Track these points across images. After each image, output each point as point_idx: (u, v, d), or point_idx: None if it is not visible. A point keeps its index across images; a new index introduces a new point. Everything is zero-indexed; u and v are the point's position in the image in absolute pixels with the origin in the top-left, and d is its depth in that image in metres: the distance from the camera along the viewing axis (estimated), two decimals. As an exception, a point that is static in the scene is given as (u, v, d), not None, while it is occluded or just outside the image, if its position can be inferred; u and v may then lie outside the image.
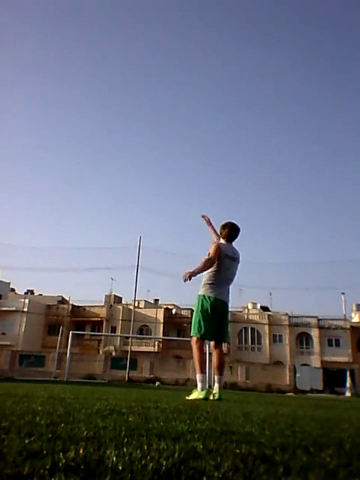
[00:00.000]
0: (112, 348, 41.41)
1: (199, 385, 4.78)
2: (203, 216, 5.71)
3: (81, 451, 1.07)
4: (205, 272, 4.95)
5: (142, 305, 48.02)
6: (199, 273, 4.86)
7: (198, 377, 4.82)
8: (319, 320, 43.29)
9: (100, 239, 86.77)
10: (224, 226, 5.22)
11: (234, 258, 5.12)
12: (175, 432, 1.55)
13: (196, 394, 4.71)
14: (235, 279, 5.26)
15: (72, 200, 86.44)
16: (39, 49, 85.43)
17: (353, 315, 48.58)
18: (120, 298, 51.53)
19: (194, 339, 4.94)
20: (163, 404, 3.30)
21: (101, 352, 40.30)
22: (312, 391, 29.18)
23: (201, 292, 5.00)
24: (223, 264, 4.98)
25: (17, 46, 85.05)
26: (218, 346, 5.10)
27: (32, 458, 0.97)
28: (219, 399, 4.77)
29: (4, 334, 43.42)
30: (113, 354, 38.59)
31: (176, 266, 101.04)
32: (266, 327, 44.41)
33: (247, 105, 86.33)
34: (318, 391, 29.00)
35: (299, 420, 2.51)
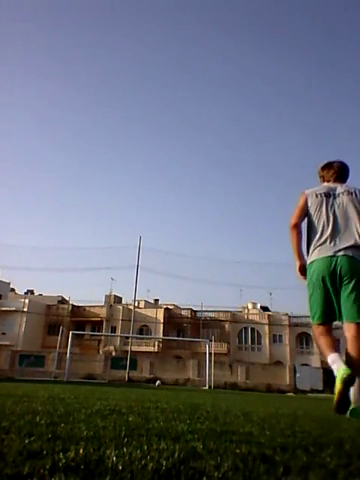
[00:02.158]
0: (112, 348, 41.40)
1: (334, 367, 3.05)
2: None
3: (81, 451, 1.07)
4: (308, 237, 3.56)
5: (142, 305, 48.04)
6: (297, 245, 3.58)
7: (329, 360, 3.15)
8: (319, 320, 43.26)
9: (100, 239, 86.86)
10: (326, 165, 3.83)
11: (332, 193, 3.56)
12: (175, 432, 1.56)
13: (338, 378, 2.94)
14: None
15: (72, 200, 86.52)
16: (39, 49, 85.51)
17: (353, 315, 48.52)
18: (120, 298, 51.56)
19: (313, 328, 3.47)
20: (163, 404, 3.30)
21: (101, 352, 40.30)
22: (312, 391, 29.18)
23: (308, 261, 3.50)
24: (316, 207, 3.54)
25: (17, 46, 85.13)
26: (349, 327, 3.22)
27: (32, 458, 0.97)
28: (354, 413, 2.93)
29: (4, 334, 43.41)
30: (113, 354, 38.58)
31: (176, 266, 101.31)
32: (266, 327, 44.41)
33: (247, 105, 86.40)
34: (318, 391, 28.98)
35: (299, 420, 2.51)
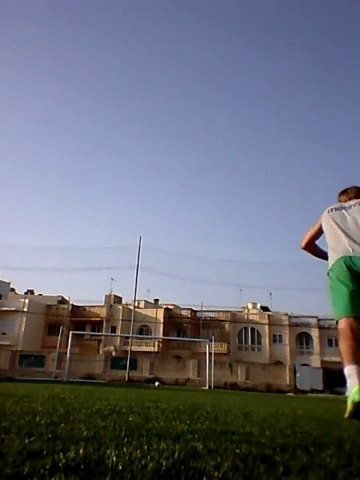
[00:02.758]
0: (112, 348, 41.41)
1: (348, 383, 3.07)
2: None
3: (81, 451, 1.07)
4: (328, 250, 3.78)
5: (142, 305, 48.04)
6: (320, 255, 3.94)
7: (346, 370, 3.10)
8: (319, 320, 43.30)
9: (100, 239, 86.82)
10: (340, 193, 4.07)
11: (344, 207, 3.80)
12: (175, 432, 1.56)
13: (350, 402, 2.96)
14: None
15: (72, 200, 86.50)
16: (39, 49, 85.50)
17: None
18: (120, 298, 51.57)
19: (338, 325, 3.42)
20: (163, 404, 3.31)
21: (101, 352, 40.31)
22: (312, 391, 29.19)
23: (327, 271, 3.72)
24: (329, 221, 3.79)
25: (17, 46, 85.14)
26: None
27: (32, 458, 0.97)
28: None
29: (4, 334, 43.42)
30: (113, 354, 38.59)
31: (176, 266, 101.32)
32: (266, 327, 44.41)
33: (247, 105, 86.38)
34: (318, 391, 29.00)
35: (299, 420, 2.51)
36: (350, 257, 3.44)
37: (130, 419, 1.95)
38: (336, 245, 3.63)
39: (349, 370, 3.04)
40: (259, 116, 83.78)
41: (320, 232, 3.94)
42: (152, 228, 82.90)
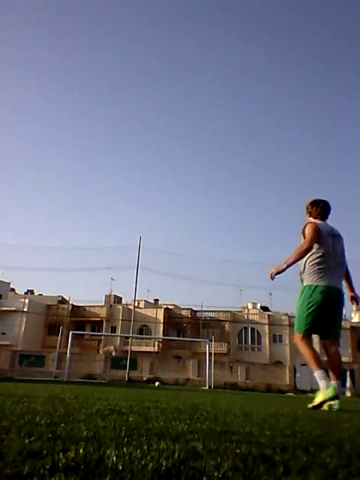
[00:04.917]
0: (112, 348, 41.39)
1: (322, 383, 3.94)
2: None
3: (81, 451, 1.07)
4: (306, 261, 4.26)
5: (142, 305, 48.01)
6: (293, 263, 4.22)
7: (317, 375, 3.99)
8: (319, 320, 43.25)
9: (100, 239, 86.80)
10: (314, 203, 4.53)
11: (336, 235, 4.37)
12: (175, 432, 1.55)
13: (321, 396, 3.90)
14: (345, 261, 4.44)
15: (72, 200, 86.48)
16: (39, 49, 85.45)
17: (353, 315, 48.58)
18: (120, 298, 51.53)
19: (297, 336, 4.23)
20: (163, 404, 3.30)
21: (101, 352, 40.28)
22: (312, 391, 29.12)
23: (308, 282, 4.22)
24: (327, 244, 4.24)
25: (17, 46, 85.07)
26: (331, 344, 4.24)
27: (32, 458, 0.97)
28: (340, 409, 3.83)
29: (4, 334, 43.40)
30: (113, 354, 38.57)
31: (176, 266, 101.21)
32: (266, 327, 44.39)
33: (247, 105, 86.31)
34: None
35: (299, 420, 2.51)
36: (334, 287, 4.20)
37: (130, 419, 1.95)
38: (329, 271, 4.22)
39: (320, 373, 4.00)
40: (259, 116, 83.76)
41: (314, 236, 4.28)
42: (152, 228, 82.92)
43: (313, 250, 4.23)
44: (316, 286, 4.16)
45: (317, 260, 4.22)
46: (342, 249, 4.38)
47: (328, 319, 4.18)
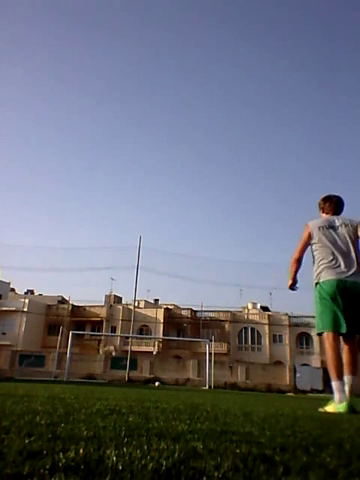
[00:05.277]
0: (112, 348, 41.40)
1: (336, 396, 3.68)
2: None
3: (81, 451, 1.07)
4: (315, 262, 4.21)
5: (142, 305, 48.02)
6: (294, 273, 4.29)
7: (333, 385, 3.74)
8: (319, 320, 43.26)
9: (100, 239, 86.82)
10: (325, 198, 4.51)
11: (332, 226, 4.23)
12: (175, 432, 1.55)
13: (333, 407, 3.67)
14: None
15: (72, 200, 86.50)
16: (39, 49, 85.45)
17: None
18: (120, 298, 51.55)
19: (324, 336, 3.99)
20: (163, 404, 3.30)
21: (101, 352, 40.29)
22: (312, 391, 29.19)
23: (314, 282, 4.19)
24: (321, 238, 4.19)
25: (17, 46, 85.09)
26: (349, 340, 4.00)
27: (32, 458, 0.97)
28: (353, 410, 3.56)
29: (4, 334, 43.41)
30: (113, 354, 38.57)
31: (176, 266, 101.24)
32: (266, 327, 44.40)
33: (247, 105, 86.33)
34: (318, 391, 28.98)
35: (299, 420, 2.51)
36: (343, 280, 3.99)
37: (130, 419, 1.95)
38: (330, 264, 4.09)
39: (337, 384, 3.72)
40: (260, 116, 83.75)
41: (308, 245, 4.33)
42: (152, 228, 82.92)
43: (313, 249, 4.26)
44: (320, 283, 4.09)
45: (318, 257, 4.18)
46: (348, 236, 4.15)
47: (345, 313, 3.90)
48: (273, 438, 1.53)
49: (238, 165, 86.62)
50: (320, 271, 4.11)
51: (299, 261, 4.34)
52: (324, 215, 4.45)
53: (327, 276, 4.04)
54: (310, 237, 4.28)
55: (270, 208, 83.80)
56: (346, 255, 4.08)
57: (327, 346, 3.91)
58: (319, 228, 4.24)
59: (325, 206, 4.48)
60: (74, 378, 24.74)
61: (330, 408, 3.71)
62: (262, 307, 50.75)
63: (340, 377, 3.72)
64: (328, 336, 3.92)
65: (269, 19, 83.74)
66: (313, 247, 4.25)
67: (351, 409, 3.50)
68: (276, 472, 0.99)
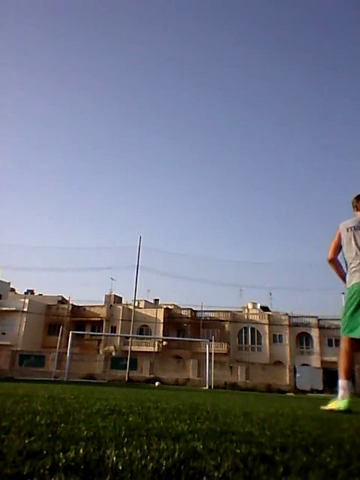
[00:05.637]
0: (112, 348, 41.40)
1: (340, 392, 3.86)
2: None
3: (81, 451, 1.07)
4: (347, 265, 4.19)
5: (142, 305, 48.01)
6: (338, 274, 4.29)
7: (340, 383, 3.90)
8: (319, 320, 43.30)
9: (100, 239, 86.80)
10: (356, 197, 4.40)
11: (357, 226, 4.18)
12: (175, 432, 1.56)
13: (335, 404, 3.83)
14: None
15: (72, 200, 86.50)
16: (39, 49, 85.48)
17: None
18: (120, 298, 51.54)
19: (341, 339, 4.11)
20: (163, 404, 3.31)
21: (101, 352, 40.29)
22: (312, 391, 29.18)
23: (346, 285, 4.19)
24: (349, 239, 4.14)
25: (17, 46, 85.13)
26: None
27: (32, 458, 0.97)
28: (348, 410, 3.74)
29: (4, 334, 43.40)
30: (113, 354, 38.57)
31: (176, 266, 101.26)
32: (266, 327, 44.40)
33: (247, 105, 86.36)
34: (318, 391, 28.99)
35: (299, 420, 2.51)
36: None
37: (130, 419, 1.95)
38: (358, 268, 4.01)
39: (343, 383, 3.86)
40: (260, 116, 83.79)
41: (341, 246, 4.28)
42: (152, 228, 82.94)
43: (343, 251, 4.21)
44: (348, 288, 4.08)
45: (347, 260, 4.15)
46: None
47: None
48: (273, 438, 1.53)
49: (238, 165, 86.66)
50: (349, 276, 4.10)
51: (332, 261, 4.30)
52: (358, 214, 4.32)
53: (353, 280, 4.02)
54: (340, 239, 4.24)
55: (270, 208, 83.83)
56: None
57: (341, 348, 4.03)
58: (348, 229, 4.18)
59: (358, 204, 4.34)
60: (74, 378, 24.75)
61: (332, 405, 3.84)
62: (262, 307, 50.75)
63: (347, 377, 3.87)
64: (345, 340, 4.01)
65: (269, 19, 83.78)
66: (343, 249, 4.21)
67: (349, 406, 3.71)
68: (276, 472, 0.99)
